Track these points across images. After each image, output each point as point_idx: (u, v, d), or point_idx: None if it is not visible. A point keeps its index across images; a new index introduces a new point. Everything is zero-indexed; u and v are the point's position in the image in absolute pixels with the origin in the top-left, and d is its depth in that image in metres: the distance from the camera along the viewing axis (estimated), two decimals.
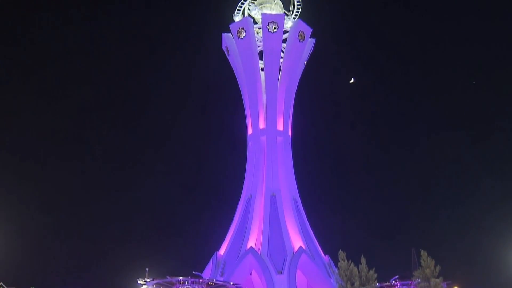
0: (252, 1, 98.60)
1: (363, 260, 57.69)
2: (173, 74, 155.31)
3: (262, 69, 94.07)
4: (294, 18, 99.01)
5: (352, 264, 57.39)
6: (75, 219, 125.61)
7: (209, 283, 69.81)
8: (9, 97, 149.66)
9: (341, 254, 57.86)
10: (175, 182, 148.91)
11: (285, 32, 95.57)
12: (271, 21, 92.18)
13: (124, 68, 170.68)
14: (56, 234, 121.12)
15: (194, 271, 72.72)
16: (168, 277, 67.18)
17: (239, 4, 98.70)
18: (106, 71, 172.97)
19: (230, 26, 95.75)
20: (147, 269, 68.68)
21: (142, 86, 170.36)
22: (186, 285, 67.57)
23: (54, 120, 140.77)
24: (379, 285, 62.88)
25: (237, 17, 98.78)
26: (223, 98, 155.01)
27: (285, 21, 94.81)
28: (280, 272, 78.07)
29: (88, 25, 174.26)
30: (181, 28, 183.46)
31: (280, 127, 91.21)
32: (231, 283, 72.38)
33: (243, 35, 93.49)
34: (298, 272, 78.42)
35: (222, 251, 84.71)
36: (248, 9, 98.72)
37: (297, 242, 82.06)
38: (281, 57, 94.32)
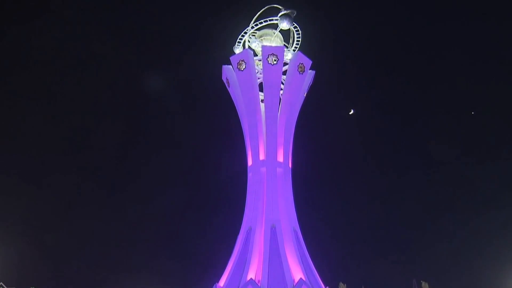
0: (253, 34, 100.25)
1: None
2: (174, 98, 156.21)
3: (262, 101, 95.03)
4: (294, 50, 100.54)
5: None
6: (66, 241, 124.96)
7: None
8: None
9: (342, 286, 57.67)
10: (174, 213, 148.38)
11: (285, 64, 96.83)
12: (271, 53, 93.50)
13: (126, 82, 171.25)
14: (46, 257, 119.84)
15: None
16: None
17: (240, 37, 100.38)
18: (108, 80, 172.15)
19: (231, 58, 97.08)
20: None
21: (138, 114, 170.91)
22: None
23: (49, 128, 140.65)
24: None
25: (238, 49, 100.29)
26: (222, 130, 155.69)
27: (285, 53, 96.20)
28: None
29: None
30: (181, 59, 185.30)
31: (280, 158, 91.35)
32: None
33: (244, 67, 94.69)
34: None
35: (221, 282, 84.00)
36: (249, 41, 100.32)
37: (297, 273, 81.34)
38: (281, 89, 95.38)
